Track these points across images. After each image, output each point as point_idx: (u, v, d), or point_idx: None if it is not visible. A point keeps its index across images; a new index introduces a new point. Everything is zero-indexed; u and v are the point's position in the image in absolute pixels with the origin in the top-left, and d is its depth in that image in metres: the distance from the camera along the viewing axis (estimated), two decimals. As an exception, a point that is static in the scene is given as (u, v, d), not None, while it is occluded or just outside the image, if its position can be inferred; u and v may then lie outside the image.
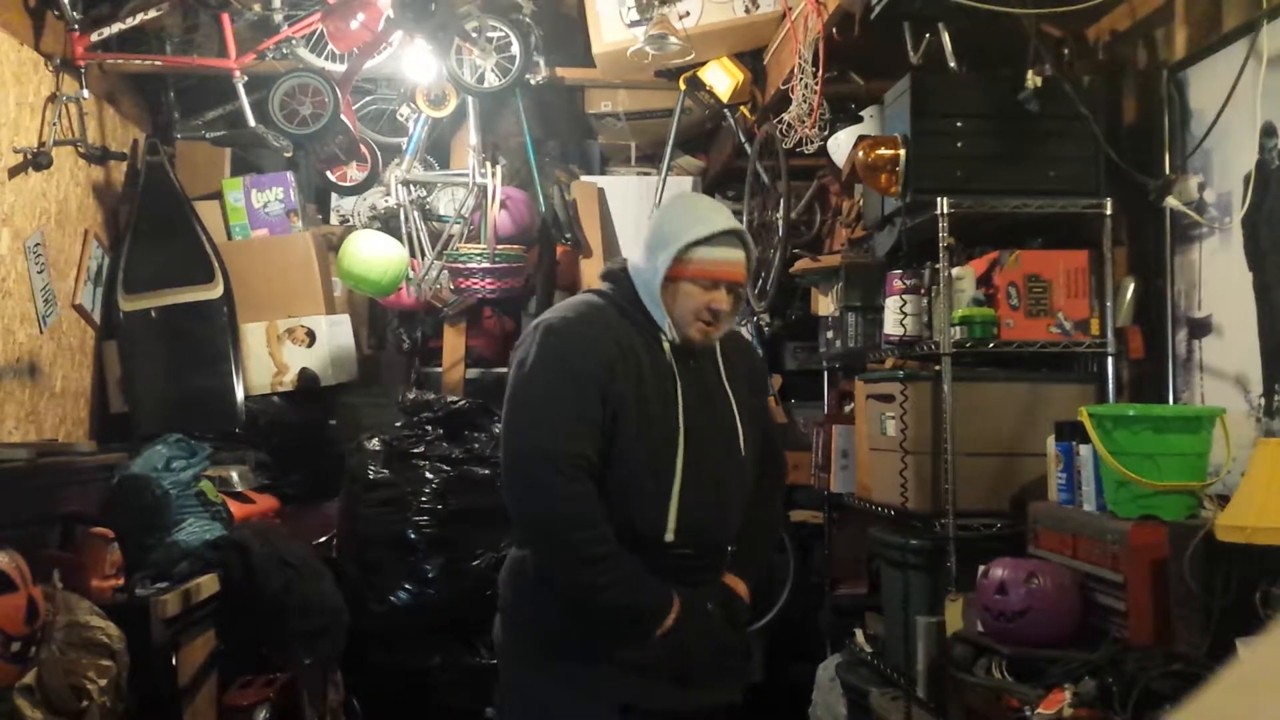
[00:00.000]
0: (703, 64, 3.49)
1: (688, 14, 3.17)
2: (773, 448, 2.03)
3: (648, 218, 3.97)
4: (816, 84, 2.84)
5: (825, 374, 3.72)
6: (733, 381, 1.86)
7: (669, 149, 3.92)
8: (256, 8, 3.53)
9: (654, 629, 1.70)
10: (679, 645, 1.73)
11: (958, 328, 2.43)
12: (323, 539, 3.53)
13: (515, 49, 3.51)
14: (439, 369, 4.04)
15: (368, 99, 4.01)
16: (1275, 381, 2.07)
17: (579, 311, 1.81)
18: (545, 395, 1.72)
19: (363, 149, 3.79)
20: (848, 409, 3.23)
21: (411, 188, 3.92)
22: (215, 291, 3.64)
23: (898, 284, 2.60)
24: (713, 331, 1.80)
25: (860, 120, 3.01)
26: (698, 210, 1.83)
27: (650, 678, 1.74)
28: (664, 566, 1.73)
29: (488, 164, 3.88)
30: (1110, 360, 2.45)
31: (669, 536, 1.73)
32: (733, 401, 1.84)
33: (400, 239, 3.83)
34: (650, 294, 1.78)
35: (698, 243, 1.75)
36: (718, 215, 1.80)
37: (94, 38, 3.33)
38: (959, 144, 2.47)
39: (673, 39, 3.05)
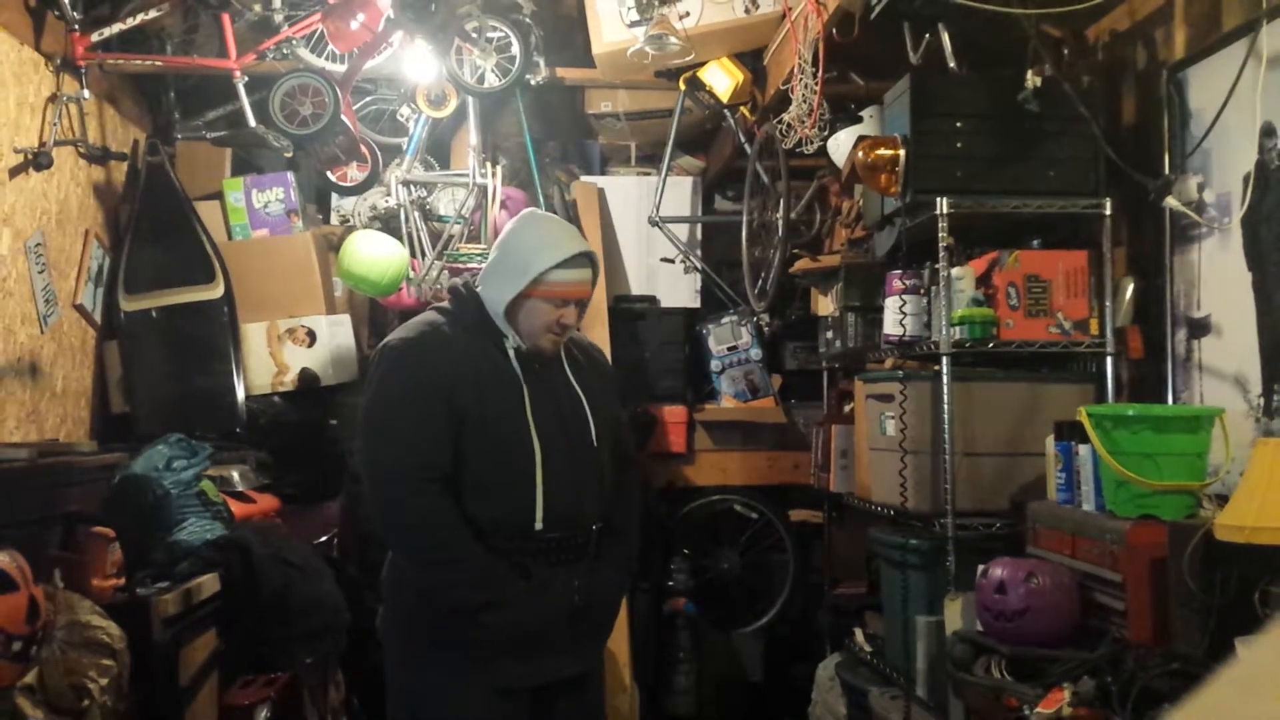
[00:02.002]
0: (703, 64, 3.49)
1: (688, 14, 3.17)
2: (623, 436, 2.20)
3: (647, 219, 3.99)
4: (816, 84, 2.84)
5: (825, 374, 3.73)
6: (579, 379, 2.03)
7: (669, 149, 3.92)
8: (257, 8, 3.53)
9: (504, 619, 1.86)
10: (537, 622, 1.89)
11: (957, 328, 2.44)
12: (323, 539, 3.53)
13: (515, 49, 3.51)
14: (439, 369, 4.04)
15: (368, 99, 4.01)
16: (1274, 381, 2.07)
17: (419, 331, 1.96)
18: (387, 415, 1.90)
19: (363, 149, 3.79)
20: (847, 409, 3.23)
21: (412, 188, 3.92)
22: (216, 292, 3.64)
23: (897, 284, 2.61)
24: (560, 340, 1.99)
25: (860, 120, 3.01)
26: (549, 234, 1.96)
27: (517, 656, 1.89)
28: (535, 550, 1.91)
29: (488, 164, 3.88)
30: (1109, 360, 2.46)
31: (538, 525, 1.90)
32: (581, 397, 2.01)
33: (400, 239, 3.83)
34: (496, 311, 1.95)
35: (554, 267, 1.91)
36: (568, 239, 1.96)
37: (94, 38, 3.34)
38: (959, 144, 2.48)
39: (673, 39, 3.05)
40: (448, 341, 1.94)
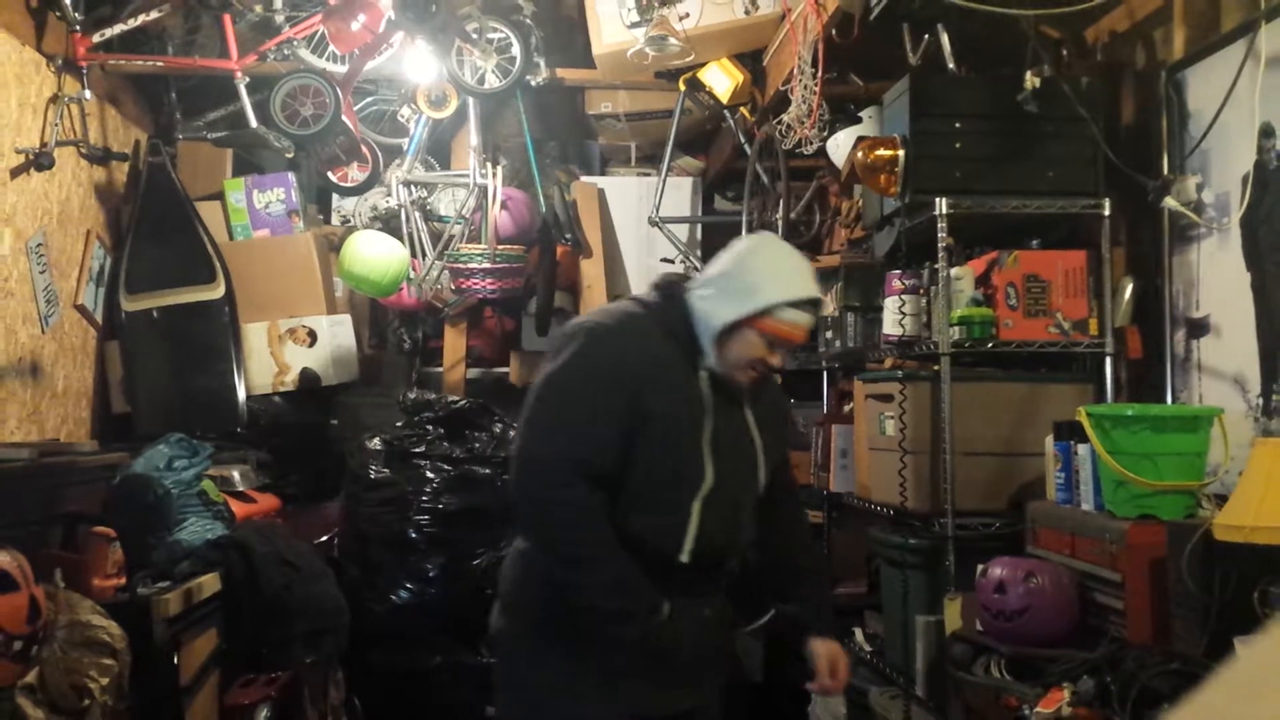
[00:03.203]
0: (702, 65, 3.50)
1: (687, 15, 3.17)
2: (790, 476, 2.05)
3: (647, 219, 4.00)
4: (816, 85, 2.84)
5: (824, 374, 3.73)
6: (757, 417, 1.86)
7: (669, 150, 3.92)
8: (258, 9, 3.54)
9: (637, 631, 1.72)
10: (669, 647, 1.76)
11: (956, 328, 2.44)
12: (324, 538, 3.54)
13: (516, 50, 3.52)
14: (440, 369, 4.05)
15: (369, 100, 4.02)
16: (1273, 381, 2.07)
17: (619, 320, 1.78)
18: (563, 398, 1.72)
19: (364, 150, 3.80)
20: (847, 409, 3.23)
21: (412, 188, 3.93)
22: (217, 292, 3.65)
23: (897, 284, 2.61)
24: (756, 379, 1.81)
25: (859, 121, 3.02)
26: (788, 268, 1.78)
27: (647, 679, 1.76)
28: (671, 579, 1.76)
29: (488, 164, 3.88)
30: (1109, 360, 2.46)
31: (684, 558, 1.75)
32: (756, 436, 1.85)
33: (401, 239, 3.84)
34: (709, 329, 1.75)
35: (787, 304, 1.73)
36: (806, 277, 1.77)
37: (96, 38, 3.34)
38: (958, 145, 2.48)
39: (672, 40, 3.06)
40: (647, 339, 1.76)
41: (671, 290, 1.82)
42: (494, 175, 3.83)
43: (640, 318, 1.78)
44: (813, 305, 1.77)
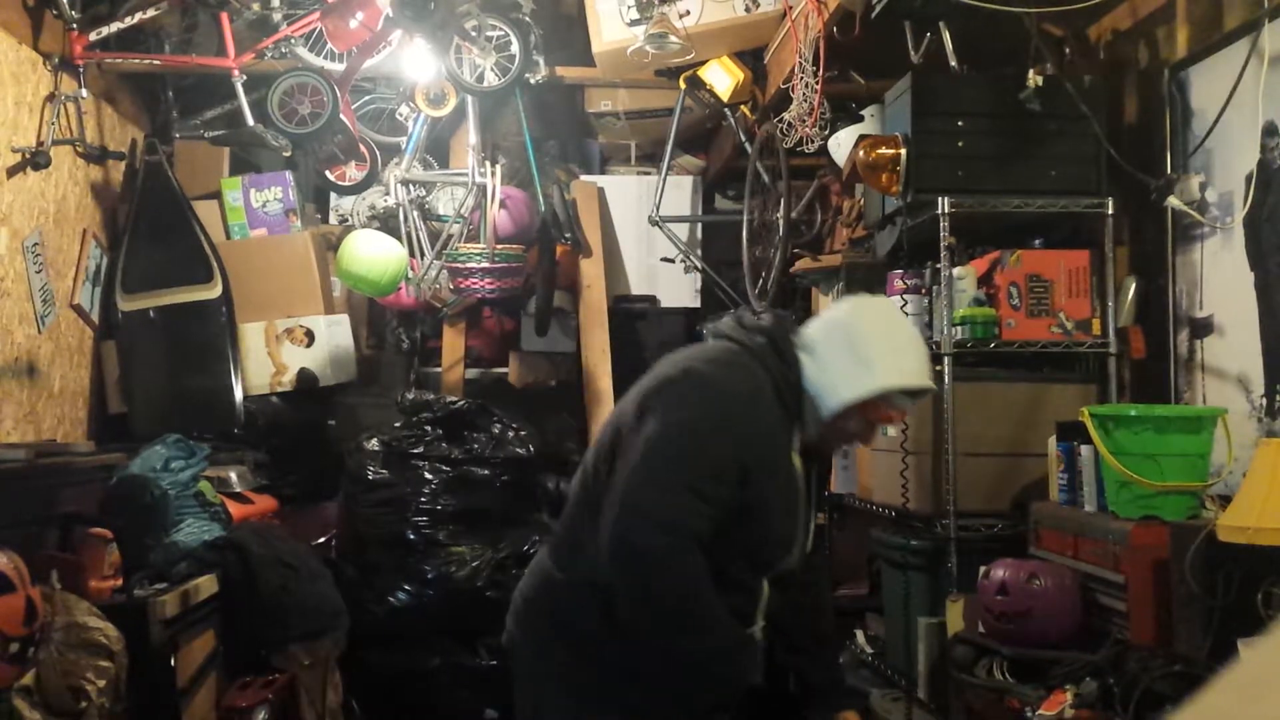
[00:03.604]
0: (703, 63, 3.48)
1: (688, 13, 3.16)
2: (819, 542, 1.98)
3: (647, 218, 3.98)
4: (817, 83, 2.83)
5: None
6: (816, 481, 1.81)
7: (669, 148, 3.91)
8: (255, 7, 3.52)
9: (734, 699, 1.67)
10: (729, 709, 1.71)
11: (959, 328, 2.43)
12: (322, 539, 3.53)
13: (515, 48, 3.50)
14: (438, 369, 4.04)
15: (367, 98, 4.00)
16: (1277, 382, 2.06)
17: (744, 378, 1.63)
18: (686, 455, 1.57)
19: (362, 148, 3.78)
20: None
21: (411, 187, 3.91)
22: (214, 291, 3.63)
23: (899, 284, 2.60)
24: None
25: (861, 119, 3.01)
26: (916, 352, 1.67)
27: None
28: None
29: (487, 163, 3.87)
30: (1112, 360, 2.45)
31: (757, 634, 1.70)
32: (814, 501, 1.79)
33: (399, 239, 3.82)
34: (827, 400, 1.63)
35: (905, 393, 1.64)
36: (925, 363, 1.68)
37: (92, 37, 3.32)
38: (960, 143, 2.47)
39: (673, 38, 3.04)
40: (769, 410, 1.63)
41: (782, 347, 1.66)
42: (493, 174, 3.81)
43: (763, 380, 1.63)
44: (926, 392, 1.70)
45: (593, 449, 1.74)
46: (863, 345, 1.62)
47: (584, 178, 4.15)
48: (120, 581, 2.44)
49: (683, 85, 3.62)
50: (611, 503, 1.57)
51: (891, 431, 2.57)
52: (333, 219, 4.17)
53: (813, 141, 3.01)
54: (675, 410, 1.58)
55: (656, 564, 1.54)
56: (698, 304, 4.14)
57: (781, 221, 3.34)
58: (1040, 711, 1.80)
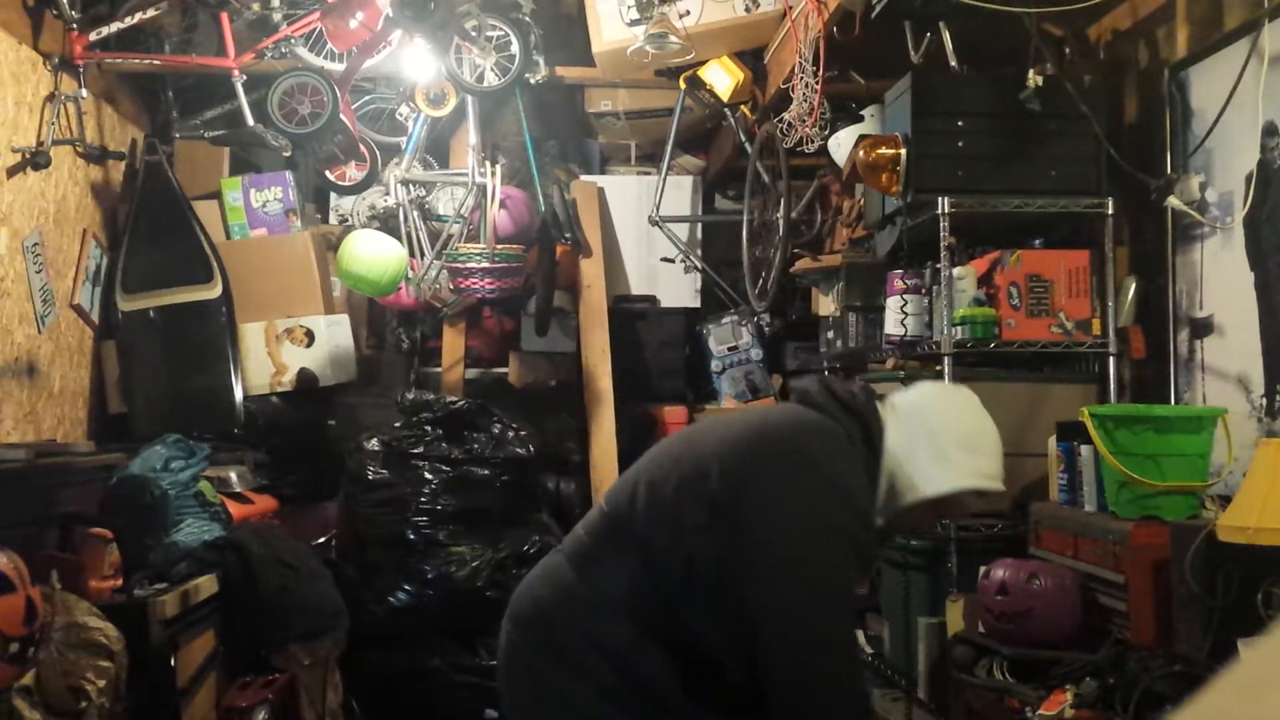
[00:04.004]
0: (703, 63, 3.48)
1: (688, 13, 3.16)
2: None
3: (647, 218, 3.98)
4: (817, 83, 2.83)
5: (826, 373, 3.71)
6: None
7: (669, 148, 3.91)
8: (255, 7, 3.52)
9: None
10: None
11: (959, 328, 2.43)
12: (321, 539, 3.52)
13: (515, 48, 3.50)
14: (438, 369, 4.04)
15: (367, 98, 4.00)
16: (1277, 382, 2.06)
17: (854, 471, 1.58)
18: (828, 565, 1.52)
19: (362, 148, 3.78)
20: (848, 409, 3.21)
21: (411, 187, 3.91)
22: (214, 291, 3.63)
23: (899, 284, 2.60)
24: None
25: (861, 119, 3.01)
26: (996, 452, 1.66)
27: None
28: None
29: (487, 163, 3.87)
30: (1112, 360, 2.45)
31: None
32: None
33: (399, 238, 3.82)
34: (905, 492, 1.60)
35: (981, 493, 1.64)
36: (1000, 464, 1.66)
37: (92, 37, 3.32)
38: (960, 143, 2.47)
39: (673, 38, 3.04)
40: (867, 494, 1.59)
41: (874, 436, 1.61)
42: (493, 174, 3.81)
43: (860, 468, 1.59)
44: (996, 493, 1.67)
45: (641, 481, 1.64)
46: (945, 442, 1.60)
47: (584, 178, 4.14)
48: (120, 581, 2.44)
49: (683, 85, 3.62)
50: (775, 625, 1.50)
51: (891, 431, 2.57)
52: (333, 219, 4.17)
53: (813, 141, 3.01)
54: (808, 513, 1.52)
55: (839, 687, 1.51)
56: (698, 304, 4.14)
57: (781, 221, 3.34)
58: (1040, 711, 1.80)
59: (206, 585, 2.63)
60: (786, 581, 1.50)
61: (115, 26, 3.35)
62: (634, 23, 3.27)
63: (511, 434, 3.42)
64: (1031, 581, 2.02)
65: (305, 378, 3.70)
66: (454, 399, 3.56)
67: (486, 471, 3.35)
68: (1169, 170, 2.34)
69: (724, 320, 4.02)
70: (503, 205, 3.87)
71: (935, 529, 2.43)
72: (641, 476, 1.67)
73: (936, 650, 2.35)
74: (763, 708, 1.57)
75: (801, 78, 2.86)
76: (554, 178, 4.08)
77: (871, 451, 1.60)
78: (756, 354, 4.00)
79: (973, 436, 1.64)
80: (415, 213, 3.90)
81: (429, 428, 3.42)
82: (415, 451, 3.37)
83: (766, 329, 3.98)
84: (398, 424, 3.49)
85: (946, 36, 2.50)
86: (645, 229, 4.06)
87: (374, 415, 3.82)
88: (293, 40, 3.56)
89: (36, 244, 3.12)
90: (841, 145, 3.01)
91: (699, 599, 1.56)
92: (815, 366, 3.90)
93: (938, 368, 2.45)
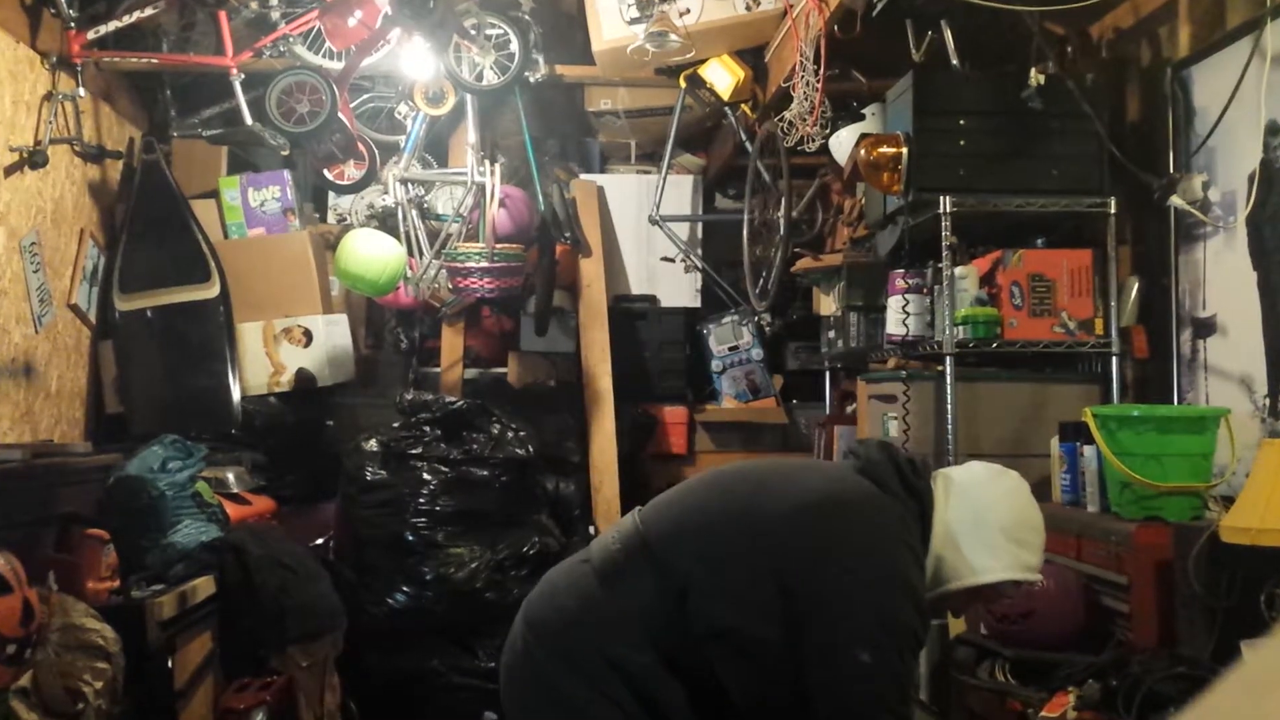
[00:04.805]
0: (703, 61, 3.47)
1: (688, 11, 3.15)
2: None
3: (647, 217, 3.97)
4: (818, 81, 2.82)
5: (827, 374, 3.71)
6: None
7: (669, 147, 3.90)
8: (253, 5, 3.51)
9: None
10: None
11: (961, 327, 2.42)
12: (320, 540, 3.51)
13: (514, 46, 3.49)
14: (437, 369, 4.03)
15: (365, 97, 3.99)
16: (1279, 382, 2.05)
17: (921, 570, 1.59)
18: (904, 655, 1.53)
19: (360, 147, 3.77)
20: (850, 409, 3.21)
21: (409, 186, 3.90)
22: (212, 291, 3.62)
23: (900, 283, 2.59)
24: None
25: (862, 118, 3.00)
26: (1036, 549, 1.65)
27: None
28: None
29: (486, 162, 3.86)
30: (1114, 360, 2.44)
31: None
32: None
33: (398, 238, 3.81)
34: (942, 580, 1.61)
35: (1020, 583, 1.64)
36: (1040, 554, 1.66)
37: (90, 35, 3.31)
38: (961, 142, 2.46)
39: (673, 36, 3.03)
40: (923, 584, 1.60)
41: (929, 520, 1.62)
42: (492, 173, 3.80)
43: (916, 557, 1.59)
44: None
45: (692, 515, 1.63)
46: (993, 531, 1.60)
47: (584, 177, 4.13)
48: (117, 583, 2.43)
49: (683, 84, 3.61)
50: (839, 690, 1.51)
51: (893, 431, 2.56)
52: (331, 218, 4.16)
53: (814, 140, 3.00)
54: (886, 618, 1.51)
55: None
56: (698, 304, 4.13)
57: (782, 221, 3.33)
58: (1043, 713, 1.79)
59: (204, 586, 2.62)
60: (857, 659, 1.49)
61: (113, 25, 3.34)
62: (634, 21, 3.26)
63: (511, 434, 3.41)
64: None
65: (303, 378, 3.69)
66: (453, 399, 3.54)
67: (485, 472, 3.34)
68: (1171, 169, 2.34)
69: (724, 320, 4.01)
70: (502, 204, 3.86)
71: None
72: (691, 512, 1.65)
73: (938, 652, 2.34)
74: None
75: (802, 76, 2.85)
76: (554, 177, 4.07)
77: (925, 540, 1.60)
78: (757, 354, 3.99)
79: (1020, 528, 1.63)
80: (414, 212, 3.89)
81: (428, 428, 3.41)
82: (414, 452, 3.36)
83: (767, 329, 3.97)
84: (396, 424, 3.48)
85: (948, 35, 2.49)
86: (645, 228, 4.05)
87: (372, 415, 3.81)
88: (291, 38, 3.55)
89: (34, 243, 3.11)
90: (842, 144, 3.00)
91: (730, 651, 1.55)
92: (817, 366, 3.89)
93: (939, 367, 2.44)
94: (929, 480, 1.64)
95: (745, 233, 3.70)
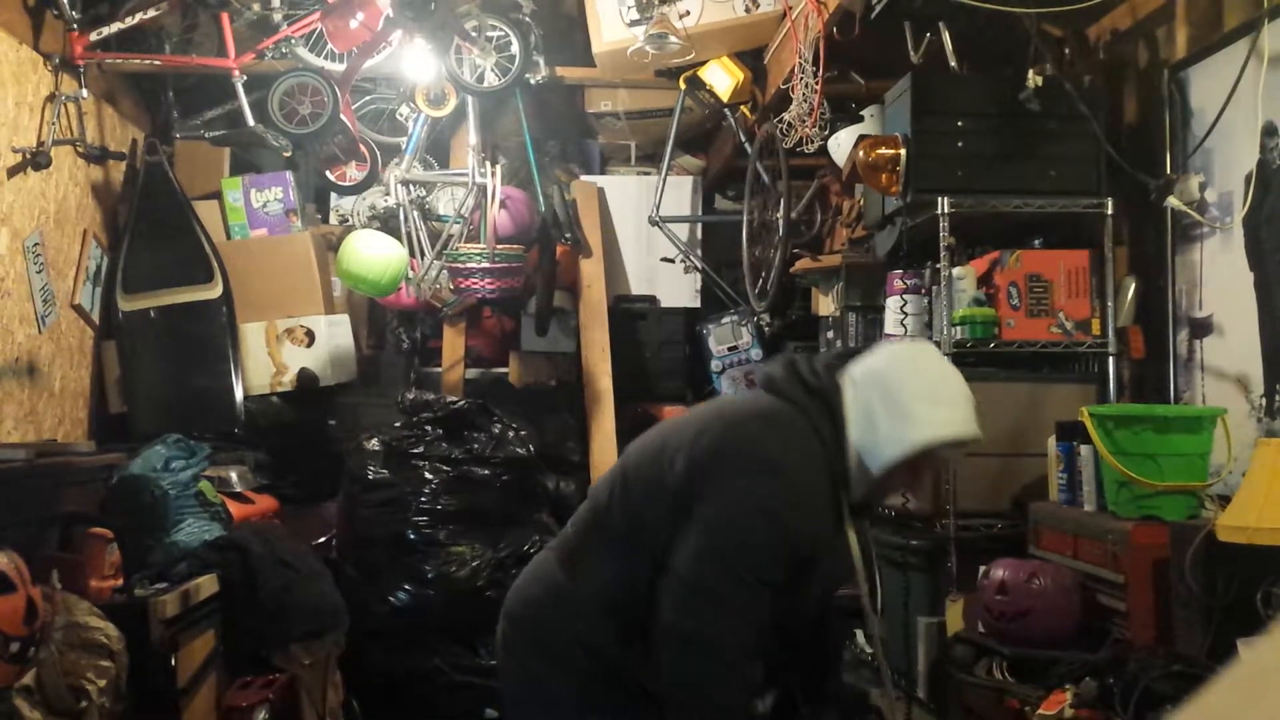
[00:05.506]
0: (703, 63, 3.49)
1: (688, 13, 3.16)
2: None
3: (647, 218, 3.98)
4: (817, 83, 2.83)
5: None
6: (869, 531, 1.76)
7: (669, 148, 3.91)
8: (256, 7, 3.52)
9: None
10: None
11: (959, 327, 2.43)
12: (322, 539, 3.52)
13: (515, 48, 3.51)
14: (438, 369, 4.04)
15: (367, 98, 4.00)
16: (1276, 382, 2.06)
17: (805, 462, 1.57)
18: (745, 574, 1.52)
19: (362, 148, 3.78)
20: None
21: (411, 187, 3.92)
22: (214, 291, 3.63)
23: (898, 284, 2.60)
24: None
25: (861, 120, 3.01)
26: (960, 400, 1.59)
27: None
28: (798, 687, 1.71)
29: (487, 163, 3.87)
30: (1111, 360, 2.45)
31: (824, 683, 1.69)
32: (868, 535, 1.74)
33: (400, 239, 3.82)
34: (874, 461, 1.56)
35: (950, 444, 1.57)
36: (972, 414, 1.60)
37: (93, 37, 3.33)
38: (960, 143, 2.47)
39: (673, 38, 3.05)
40: (826, 484, 1.58)
41: (836, 413, 1.58)
42: (493, 174, 3.82)
43: (819, 457, 1.57)
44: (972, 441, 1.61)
45: (618, 476, 1.67)
46: (901, 399, 1.56)
47: (584, 178, 4.15)
48: (120, 581, 2.44)
49: (683, 85, 3.62)
50: (676, 582, 1.53)
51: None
52: (333, 219, 4.17)
53: (812, 142, 3.01)
54: (740, 496, 1.53)
55: (715, 654, 1.52)
56: (698, 304, 4.14)
57: (781, 221, 3.34)
58: (1040, 711, 1.80)
59: (207, 585, 2.63)
60: (699, 550, 1.52)
61: (116, 27, 3.36)
62: (634, 23, 3.28)
63: (511, 434, 3.42)
64: (1031, 581, 2.02)
65: (306, 378, 3.70)
66: (454, 399, 3.56)
67: (486, 471, 3.35)
68: (1168, 170, 2.35)
69: (724, 320, 4.02)
70: (503, 205, 3.87)
71: (935, 526, 2.44)
72: (619, 471, 1.69)
73: (936, 650, 2.35)
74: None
75: (801, 78, 2.87)
76: (554, 178, 4.08)
77: (837, 429, 1.58)
78: (756, 354, 4.00)
79: (931, 386, 1.59)
80: (415, 213, 3.90)
81: (429, 427, 3.42)
82: (415, 451, 3.37)
83: (766, 329, 3.98)
84: (398, 424, 3.50)
85: (946, 37, 2.50)
86: (645, 229, 4.06)
87: (374, 415, 3.82)
88: (293, 40, 3.56)
89: (37, 244, 3.13)
90: (841, 145, 3.02)
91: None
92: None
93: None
94: (834, 378, 1.61)
95: (744, 233, 3.71)
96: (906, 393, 1.57)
